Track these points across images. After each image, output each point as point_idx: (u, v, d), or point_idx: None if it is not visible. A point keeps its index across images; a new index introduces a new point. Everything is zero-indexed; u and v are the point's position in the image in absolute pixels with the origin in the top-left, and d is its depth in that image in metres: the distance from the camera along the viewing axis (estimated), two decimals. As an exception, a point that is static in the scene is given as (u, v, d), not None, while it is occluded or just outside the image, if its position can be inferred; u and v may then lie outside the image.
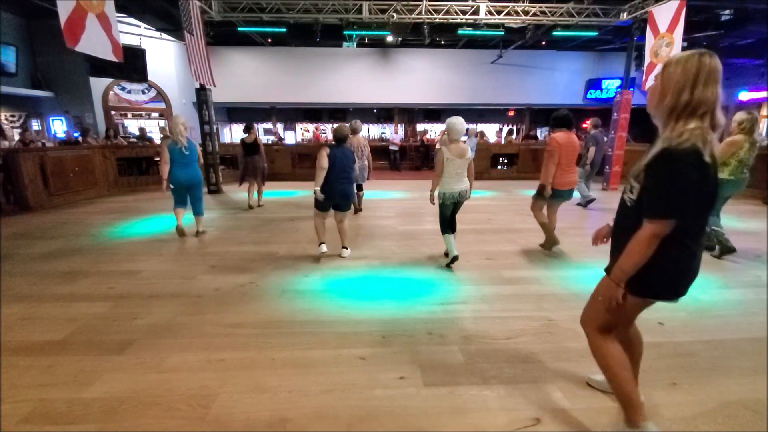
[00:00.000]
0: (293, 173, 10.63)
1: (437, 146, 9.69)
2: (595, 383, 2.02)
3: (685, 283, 1.46)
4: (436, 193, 3.77)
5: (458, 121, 3.61)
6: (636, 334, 1.77)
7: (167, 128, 7.45)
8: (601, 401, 1.94)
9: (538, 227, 4.34)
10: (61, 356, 2.35)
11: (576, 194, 5.08)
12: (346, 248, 4.26)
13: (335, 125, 4.51)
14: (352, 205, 5.88)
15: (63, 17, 4.69)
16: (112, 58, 5.51)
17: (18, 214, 6.40)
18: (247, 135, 6.44)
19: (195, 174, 4.83)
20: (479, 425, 1.80)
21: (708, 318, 2.82)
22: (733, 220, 5.61)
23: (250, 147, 6.43)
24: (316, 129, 17.76)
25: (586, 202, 6.73)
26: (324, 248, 4.06)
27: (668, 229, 1.33)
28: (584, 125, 17.14)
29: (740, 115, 3.97)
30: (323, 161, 3.81)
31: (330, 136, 17.18)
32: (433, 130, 16.59)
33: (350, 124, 5.82)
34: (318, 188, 3.87)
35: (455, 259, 3.78)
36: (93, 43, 5.15)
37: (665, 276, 1.44)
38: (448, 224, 3.85)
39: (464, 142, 3.84)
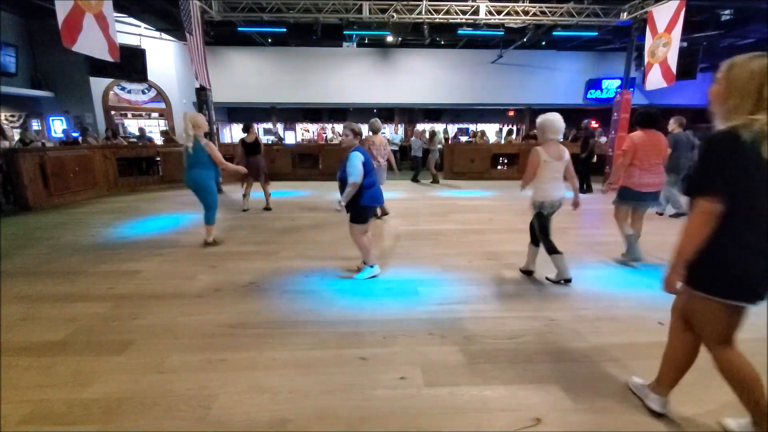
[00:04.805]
0: (293, 173, 10.63)
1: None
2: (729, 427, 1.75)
3: (753, 284, 1.43)
4: (535, 200, 3.27)
5: (555, 118, 3.11)
6: (738, 362, 1.59)
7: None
8: (602, 401, 1.94)
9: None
10: (61, 356, 2.34)
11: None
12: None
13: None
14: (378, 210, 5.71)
15: (60, 17, 4.68)
16: (109, 58, 5.49)
17: (18, 214, 6.40)
18: (247, 135, 6.36)
19: (196, 177, 4.32)
20: (480, 426, 1.80)
21: (709, 318, 2.82)
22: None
23: (251, 147, 6.33)
24: (321, 129, 17.71)
25: (675, 213, 5.96)
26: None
27: (711, 207, 1.38)
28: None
29: None
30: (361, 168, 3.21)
31: (330, 136, 17.17)
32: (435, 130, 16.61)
33: (370, 123, 5.71)
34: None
35: (569, 281, 3.37)
36: (90, 43, 5.14)
37: (720, 270, 1.44)
38: (551, 239, 3.33)
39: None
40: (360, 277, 3.54)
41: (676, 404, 1.92)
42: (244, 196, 6.60)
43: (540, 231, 3.35)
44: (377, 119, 5.78)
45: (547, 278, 3.51)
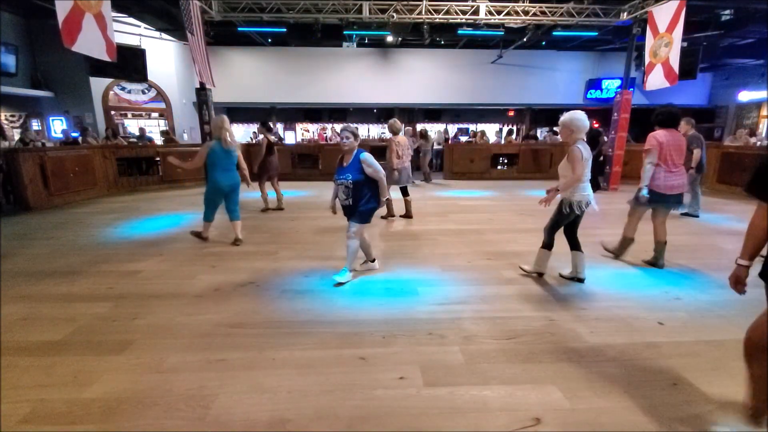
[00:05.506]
0: (293, 173, 10.63)
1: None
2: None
3: None
4: (572, 200, 3.19)
5: (583, 117, 3.12)
6: None
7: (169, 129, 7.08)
8: (601, 401, 1.94)
9: (538, 227, 3.87)
10: (61, 356, 2.34)
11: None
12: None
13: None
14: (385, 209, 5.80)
15: (60, 17, 4.67)
16: (106, 58, 5.49)
17: (18, 214, 6.40)
18: (268, 134, 6.42)
19: (235, 180, 4.57)
20: (479, 425, 1.80)
21: (709, 318, 2.82)
22: (734, 220, 5.61)
23: (269, 146, 6.38)
24: (322, 129, 17.71)
25: (685, 212, 5.99)
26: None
27: None
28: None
29: None
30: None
31: (329, 135, 17.16)
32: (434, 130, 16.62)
33: (390, 124, 5.79)
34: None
35: (541, 275, 3.51)
36: (89, 43, 5.14)
37: None
38: (554, 236, 3.38)
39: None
40: (339, 277, 3.42)
41: (677, 405, 1.92)
42: (276, 195, 6.64)
43: (553, 225, 3.37)
44: (396, 120, 5.84)
45: (521, 268, 3.67)
